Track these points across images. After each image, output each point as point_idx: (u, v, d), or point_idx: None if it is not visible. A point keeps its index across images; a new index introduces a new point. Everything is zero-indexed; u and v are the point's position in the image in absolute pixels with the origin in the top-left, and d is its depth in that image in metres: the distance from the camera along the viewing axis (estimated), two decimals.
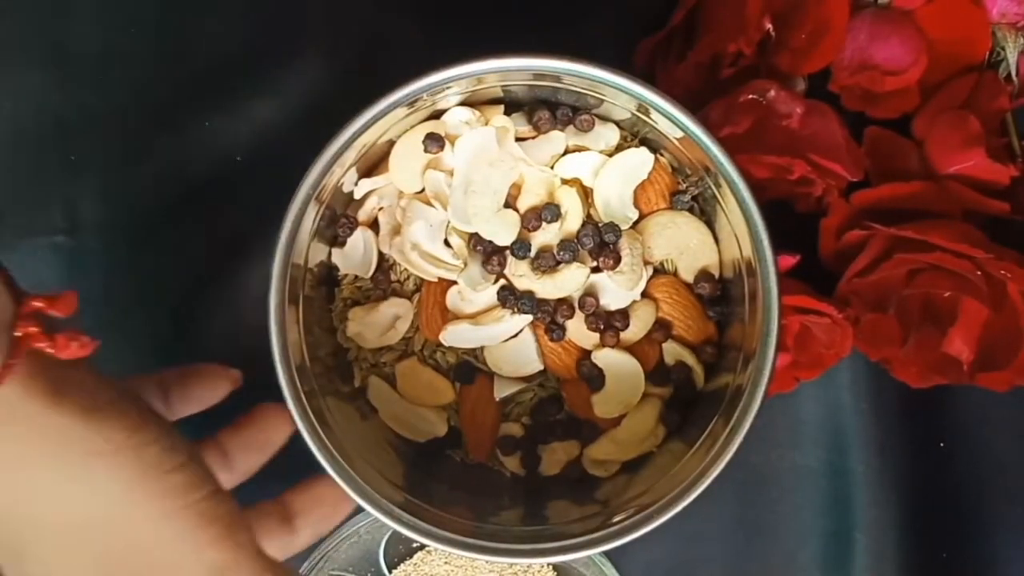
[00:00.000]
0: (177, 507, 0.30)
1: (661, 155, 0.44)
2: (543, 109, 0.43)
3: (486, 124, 0.43)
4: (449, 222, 0.43)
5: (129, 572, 0.30)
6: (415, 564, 0.42)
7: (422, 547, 0.41)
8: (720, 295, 0.44)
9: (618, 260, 0.42)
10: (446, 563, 0.42)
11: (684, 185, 0.44)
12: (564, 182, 0.43)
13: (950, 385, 0.46)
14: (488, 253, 0.43)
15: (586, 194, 0.44)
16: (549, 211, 0.42)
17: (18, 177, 0.51)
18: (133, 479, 0.30)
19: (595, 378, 0.43)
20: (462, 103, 0.43)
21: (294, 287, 0.40)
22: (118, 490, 0.30)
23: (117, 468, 0.30)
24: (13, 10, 0.51)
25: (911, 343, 0.46)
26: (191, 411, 0.39)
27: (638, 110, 0.41)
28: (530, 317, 0.43)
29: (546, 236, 0.43)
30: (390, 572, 0.42)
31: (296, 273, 0.40)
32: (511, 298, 0.43)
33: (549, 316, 0.43)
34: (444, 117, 0.43)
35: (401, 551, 0.44)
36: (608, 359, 0.43)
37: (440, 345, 0.44)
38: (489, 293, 0.43)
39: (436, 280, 0.43)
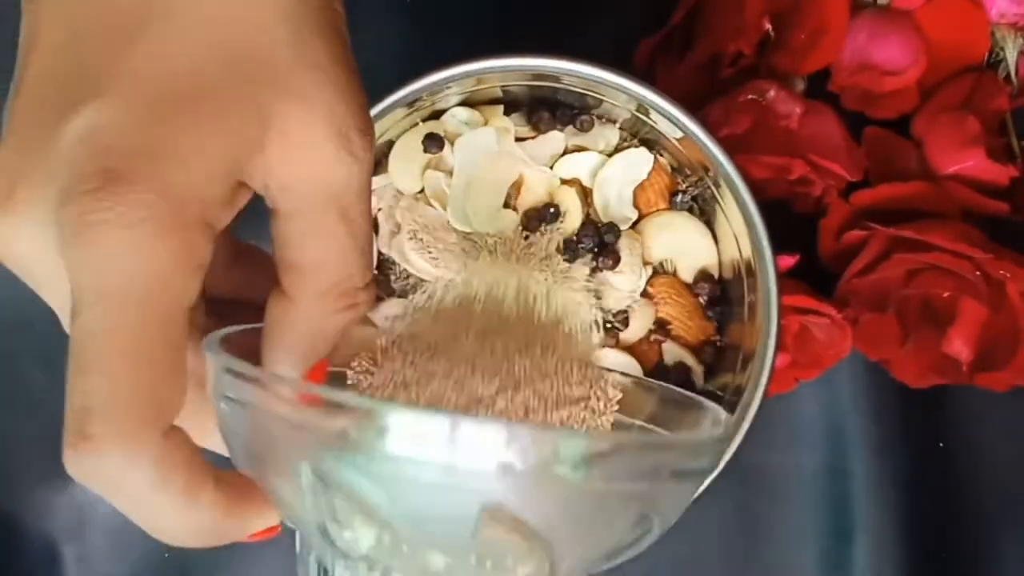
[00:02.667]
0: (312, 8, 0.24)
1: (661, 155, 0.44)
2: (543, 109, 0.43)
3: (486, 124, 0.43)
4: (448, 222, 0.43)
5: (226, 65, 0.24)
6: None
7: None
8: (719, 295, 0.44)
9: (617, 260, 0.42)
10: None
11: (683, 185, 0.44)
12: (563, 182, 0.43)
13: (950, 385, 0.46)
14: None
15: (585, 194, 0.44)
16: (549, 211, 0.42)
17: None
18: None
19: None
20: (462, 103, 0.43)
21: None
22: None
23: None
24: (14, 11, 0.51)
25: (910, 343, 0.46)
26: None
27: (638, 110, 0.41)
28: None
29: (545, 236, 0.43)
30: None
31: None
32: None
33: None
34: (444, 117, 0.43)
35: None
36: (607, 359, 0.43)
37: None
38: None
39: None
